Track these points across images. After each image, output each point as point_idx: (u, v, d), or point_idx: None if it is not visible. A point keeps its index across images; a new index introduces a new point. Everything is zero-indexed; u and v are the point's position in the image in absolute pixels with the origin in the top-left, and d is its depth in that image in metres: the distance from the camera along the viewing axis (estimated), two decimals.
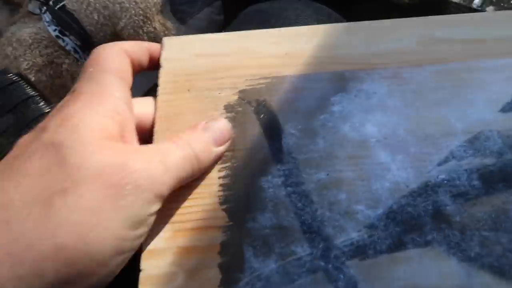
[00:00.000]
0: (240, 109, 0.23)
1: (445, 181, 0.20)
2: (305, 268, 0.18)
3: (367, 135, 0.22)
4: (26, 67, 0.35)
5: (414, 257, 0.18)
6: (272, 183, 0.20)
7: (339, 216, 0.19)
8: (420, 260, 0.18)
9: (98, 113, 0.18)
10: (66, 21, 0.35)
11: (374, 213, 0.20)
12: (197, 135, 0.20)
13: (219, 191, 0.20)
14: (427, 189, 0.20)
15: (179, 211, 0.20)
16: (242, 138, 0.22)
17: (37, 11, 0.38)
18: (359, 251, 0.19)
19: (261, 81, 0.24)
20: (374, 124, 0.22)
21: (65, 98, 0.19)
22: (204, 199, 0.20)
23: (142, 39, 0.35)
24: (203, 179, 0.21)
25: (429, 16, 0.25)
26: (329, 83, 0.24)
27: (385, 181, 0.20)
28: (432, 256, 0.18)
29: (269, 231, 0.19)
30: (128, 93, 0.21)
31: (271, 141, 0.22)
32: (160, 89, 0.24)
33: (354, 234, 0.19)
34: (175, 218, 0.20)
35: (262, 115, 0.23)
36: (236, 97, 0.23)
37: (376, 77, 0.24)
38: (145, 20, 0.41)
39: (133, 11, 0.46)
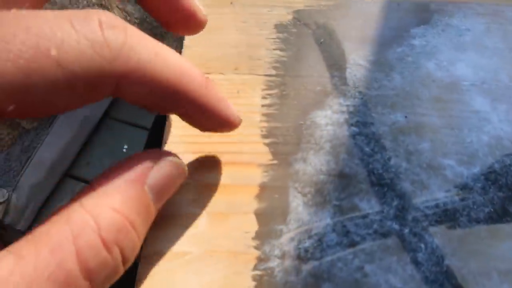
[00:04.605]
0: (294, 30, 0.18)
1: None
2: (372, 230, 0.13)
3: (459, 77, 0.17)
4: None
5: None
6: (332, 120, 0.16)
7: (420, 170, 0.15)
8: None
9: None
10: None
11: (469, 171, 0.14)
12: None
13: (261, 121, 0.16)
14: None
15: (210, 139, 0.15)
16: (295, 63, 0.17)
17: None
18: (448, 216, 0.14)
19: (323, 2, 0.19)
20: (467, 65, 0.17)
21: None
22: (243, 128, 0.15)
23: None
24: (243, 105, 0.16)
25: None
26: (409, 14, 0.19)
27: (482, 134, 0.15)
28: None
29: (325, 177, 0.14)
30: None
31: (333, 71, 0.17)
32: None
33: (440, 194, 0.14)
34: (202, 147, 0.15)
35: (322, 40, 0.18)
36: (290, 17, 0.19)
37: (469, 13, 0.19)
38: (101, 8, 0.36)
39: (85, 2, 0.41)
